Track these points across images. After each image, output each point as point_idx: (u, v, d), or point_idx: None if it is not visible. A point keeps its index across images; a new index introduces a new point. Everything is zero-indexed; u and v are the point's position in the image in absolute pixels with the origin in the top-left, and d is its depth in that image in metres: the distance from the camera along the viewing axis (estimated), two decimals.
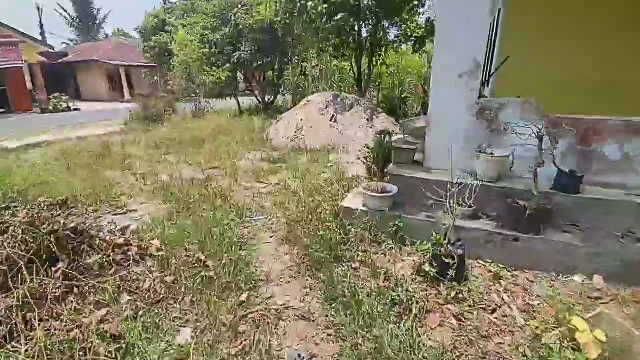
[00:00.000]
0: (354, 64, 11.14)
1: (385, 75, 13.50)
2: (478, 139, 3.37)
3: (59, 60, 23.80)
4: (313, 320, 2.23)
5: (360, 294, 2.38)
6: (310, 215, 3.58)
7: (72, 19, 37.74)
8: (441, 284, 2.53)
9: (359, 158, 6.15)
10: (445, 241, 2.57)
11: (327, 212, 3.60)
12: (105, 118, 13.09)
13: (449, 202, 2.68)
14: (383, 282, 2.60)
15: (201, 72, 11.70)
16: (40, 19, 35.02)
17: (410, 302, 2.31)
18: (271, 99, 13.63)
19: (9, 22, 17.58)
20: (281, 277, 2.70)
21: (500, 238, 2.87)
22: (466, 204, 2.88)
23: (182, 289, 2.43)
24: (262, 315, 2.25)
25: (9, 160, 6.66)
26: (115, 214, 4.11)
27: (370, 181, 3.61)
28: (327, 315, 2.26)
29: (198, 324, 2.18)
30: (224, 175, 5.39)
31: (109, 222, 3.81)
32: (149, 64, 20.61)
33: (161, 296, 2.34)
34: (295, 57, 14.57)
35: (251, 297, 2.45)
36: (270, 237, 3.40)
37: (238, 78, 13.79)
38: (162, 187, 4.78)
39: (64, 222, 2.49)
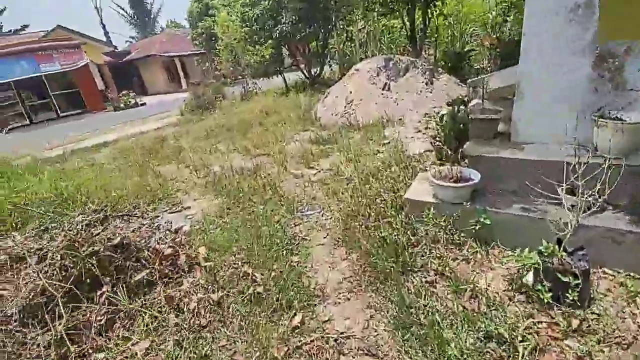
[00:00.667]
0: (406, 20, 9.80)
1: (442, 28, 11.77)
2: (596, 100, 2.44)
3: (124, 59, 25.64)
4: (381, 359, 1.77)
5: (440, 322, 1.84)
6: (368, 209, 3.06)
7: (131, 17, 40.20)
8: (555, 307, 1.87)
9: (419, 131, 5.34)
10: (561, 251, 1.86)
11: (389, 203, 3.04)
12: (166, 110, 13.75)
13: (567, 190, 1.93)
14: (469, 301, 2.02)
15: (245, 52, 11.40)
16: (102, 20, 37.98)
17: (513, 337, 1.71)
18: (317, 72, 12.90)
19: (72, 26, 19.18)
20: (339, 292, 2.27)
21: (637, 238, 2.05)
22: (588, 192, 2.08)
23: (229, 309, 2.14)
24: (319, 348, 1.85)
25: (80, 160, 7.20)
26: (172, 212, 4.05)
27: (441, 165, 2.91)
28: (399, 351, 1.78)
29: (247, 355, 1.88)
30: (272, 162, 5.07)
31: (166, 222, 3.78)
32: (200, 52, 21.09)
33: (207, 320, 2.08)
34: (340, 21, 13.44)
35: (305, 319, 2.08)
36: (325, 237, 2.98)
37: (283, 54, 13.25)
38: (214, 180, 4.62)
39: (108, 238, 2.33)
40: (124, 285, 2.20)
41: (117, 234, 2.45)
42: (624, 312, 1.89)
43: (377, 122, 6.02)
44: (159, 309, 2.08)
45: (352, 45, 14.69)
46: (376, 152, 4.72)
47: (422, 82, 6.86)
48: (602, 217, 2.18)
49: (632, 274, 2.12)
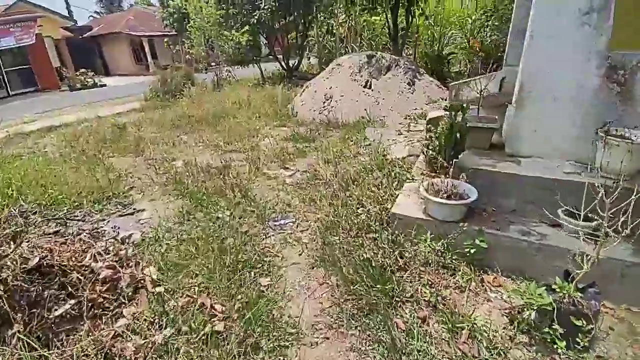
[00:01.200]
0: (389, 17, 9.53)
1: (422, 28, 11.64)
2: (602, 115, 2.23)
3: (84, 35, 23.48)
4: None
5: None
6: (349, 221, 2.72)
7: None
8: (558, 349, 1.63)
9: (401, 133, 5.07)
10: (574, 288, 1.61)
11: (372, 215, 2.72)
12: (129, 94, 12.61)
13: (568, 213, 1.68)
14: (467, 342, 1.73)
15: (220, 37, 10.63)
16: None
17: None
18: (296, 64, 12.37)
19: None
20: (316, 329, 1.91)
21: None
22: (593, 216, 1.86)
23: (178, 354, 1.71)
24: None
25: (21, 146, 6.28)
26: (122, 215, 3.48)
27: (434, 177, 2.62)
28: None
29: None
30: (244, 160, 4.59)
31: (113, 228, 3.22)
32: (171, 33, 19.66)
33: None
34: (321, 14, 12.95)
35: None
36: (300, 254, 2.60)
37: (260, 42, 12.56)
38: (175, 178, 4.08)
39: (22, 258, 1.81)
40: (43, 322, 1.70)
41: (37, 251, 1.92)
42: (627, 355, 1.69)
43: (358, 122, 5.69)
44: (83, 357, 1.60)
45: (332, 39, 14.27)
46: (357, 154, 4.39)
47: (404, 82, 6.61)
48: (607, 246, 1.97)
49: (632, 308, 1.95)
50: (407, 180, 3.07)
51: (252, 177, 4.02)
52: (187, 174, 4.20)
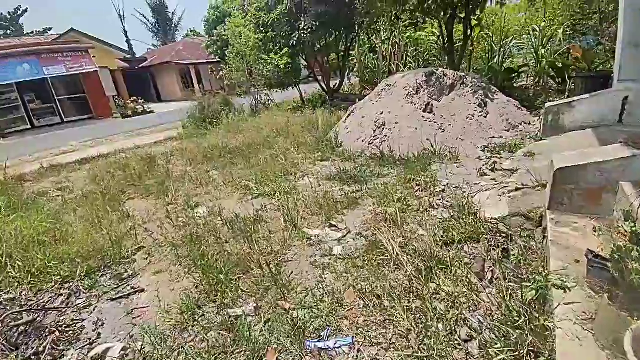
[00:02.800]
0: (443, 29, 8.28)
1: (479, 40, 10.22)
2: None
3: (139, 66, 24.93)
4: None
5: None
6: (443, 345, 1.50)
7: (152, 25, 40.08)
8: None
9: (483, 174, 3.75)
10: None
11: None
12: (172, 121, 12.50)
13: None
14: None
15: (259, 61, 10.08)
16: (124, 27, 37.84)
17: None
18: (337, 85, 11.48)
19: (97, 33, 18.43)
20: None
21: None
22: None
23: None
24: None
25: (51, 182, 5.88)
26: (114, 299, 2.55)
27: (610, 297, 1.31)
28: None
29: None
30: (278, 209, 3.56)
31: (94, 323, 2.29)
32: (215, 60, 20.06)
33: None
34: (364, 31, 12.08)
35: None
36: None
37: (299, 64, 11.90)
38: (192, 236, 3.13)
39: None
40: None
41: None
42: None
43: (420, 155, 4.46)
44: None
45: (375, 57, 13.28)
46: (429, 206, 3.16)
47: (474, 103, 5.29)
48: None
49: None
50: (559, 297, 1.75)
51: (287, 238, 2.95)
52: (208, 229, 3.26)
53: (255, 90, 10.97)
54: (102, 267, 2.93)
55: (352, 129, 5.73)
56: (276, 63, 9.57)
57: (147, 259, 3.00)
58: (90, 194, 4.78)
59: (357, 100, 10.58)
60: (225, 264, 2.62)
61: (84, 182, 5.61)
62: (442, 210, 3.05)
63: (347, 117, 6.31)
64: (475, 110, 5.20)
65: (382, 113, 5.37)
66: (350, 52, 12.20)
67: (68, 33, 18.30)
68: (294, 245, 2.87)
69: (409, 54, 12.65)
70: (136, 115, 16.00)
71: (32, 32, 33.96)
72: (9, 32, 34.73)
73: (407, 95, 5.38)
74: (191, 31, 38.38)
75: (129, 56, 23.31)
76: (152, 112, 16.58)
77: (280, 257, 2.71)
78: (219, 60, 18.96)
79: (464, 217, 2.75)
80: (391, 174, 4.16)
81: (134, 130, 11.07)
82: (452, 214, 2.89)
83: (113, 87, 19.10)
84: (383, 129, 5.11)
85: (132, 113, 15.97)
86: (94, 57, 14.55)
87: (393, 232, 2.74)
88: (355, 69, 14.56)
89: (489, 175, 3.65)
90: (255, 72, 10.49)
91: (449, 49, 8.16)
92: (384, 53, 12.87)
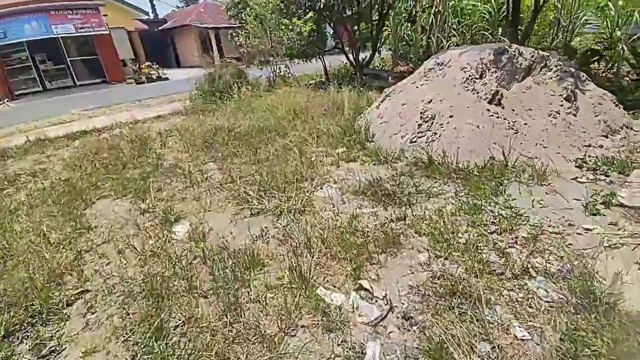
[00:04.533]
0: None
1: (547, 10, 8.31)
2: None
3: (159, 28, 23.57)
4: None
5: None
6: None
7: None
8: None
9: (596, 211, 2.46)
10: None
11: None
12: (183, 90, 11.40)
13: None
14: None
15: (279, 27, 8.63)
16: None
17: None
18: (367, 59, 9.90)
19: None
20: None
21: None
22: None
23: None
24: None
25: (30, 160, 4.99)
26: None
27: None
28: None
29: None
30: (283, 241, 2.46)
31: None
32: (237, 25, 18.43)
33: None
34: None
35: None
36: None
37: (325, 32, 10.30)
38: (153, 285, 2.10)
39: None
40: None
41: None
42: None
43: (486, 166, 3.17)
44: None
45: (412, 28, 11.41)
46: (523, 269, 1.94)
47: (559, 95, 3.85)
48: None
49: None
50: None
51: (293, 311, 1.84)
52: (182, 267, 2.21)
53: (275, 60, 9.58)
54: (26, 323, 1.97)
55: (388, 119, 4.43)
56: (299, 30, 8.10)
57: (84, 316, 2.00)
58: (60, 185, 3.83)
59: (391, 78, 9.03)
60: (194, 352, 1.58)
61: (63, 165, 4.67)
62: (545, 282, 1.84)
63: (382, 101, 4.97)
64: (562, 105, 3.77)
65: (430, 102, 4.02)
66: (384, 22, 10.45)
67: None
68: (301, 325, 1.77)
69: (452, 26, 10.75)
70: (150, 82, 14.95)
71: None
72: None
73: (467, 79, 3.97)
74: None
75: (148, 17, 21.92)
76: (166, 78, 15.48)
77: (276, 348, 1.63)
78: (240, 24, 17.36)
79: (596, 312, 1.55)
80: (446, 192, 2.93)
81: (142, 99, 10.04)
82: (569, 297, 1.69)
83: (130, 49, 17.99)
84: (432, 123, 3.79)
85: (146, 79, 14.92)
86: (105, 15, 13.34)
87: (469, 326, 1.58)
88: (386, 42, 12.74)
89: (604, 214, 2.36)
90: (275, 39, 9.05)
91: (512, 21, 6.44)
92: (423, 24, 11.02)
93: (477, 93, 3.85)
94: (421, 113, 3.92)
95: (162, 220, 2.90)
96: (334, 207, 2.85)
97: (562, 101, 3.81)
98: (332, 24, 9.66)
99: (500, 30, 9.05)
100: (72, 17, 12.33)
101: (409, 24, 11.43)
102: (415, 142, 3.80)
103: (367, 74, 9.17)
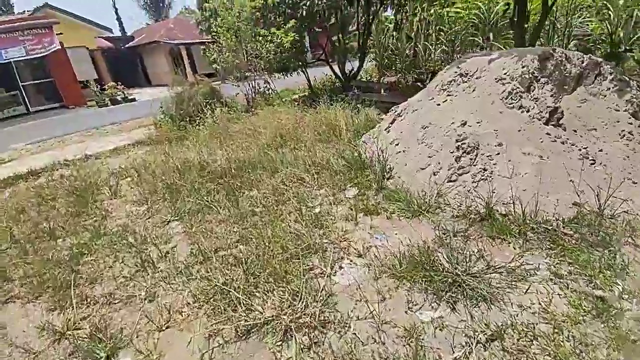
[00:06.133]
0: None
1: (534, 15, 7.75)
2: None
3: (125, 46, 21.96)
4: None
5: None
6: None
7: (144, 1, 36.42)
8: None
9: None
10: None
11: None
12: (154, 112, 10.03)
13: None
14: None
15: (255, 39, 7.58)
16: (114, 3, 34.24)
17: None
18: (354, 70, 9.01)
19: (84, 12, 15.52)
20: None
21: None
22: None
23: None
24: None
25: None
26: None
27: None
28: None
29: None
30: None
31: None
32: (209, 40, 17.22)
33: None
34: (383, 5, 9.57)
35: None
36: None
37: (305, 44, 9.33)
38: None
39: None
40: None
41: None
42: None
43: (576, 219, 2.18)
44: None
45: (397, 36, 10.68)
46: None
47: (623, 109, 2.98)
48: None
49: None
50: None
51: None
52: None
53: (252, 75, 8.48)
54: None
55: (405, 146, 3.41)
56: (279, 41, 7.07)
57: None
58: None
59: (383, 90, 8.16)
60: None
61: None
62: None
63: (391, 122, 3.97)
64: (631, 124, 2.89)
65: (464, 124, 3.03)
66: (370, 31, 9.64)
67: (42, 8, 15.31)
68: None
69: (438, 34, 10.10)
70: (115, 104, 13.39)
71: (23, 12, 30.25)
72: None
73: (510, 93, 3.02)
74: (185, 9, 34.85)
75: (114, 34, 20.31)
76: (133, 99, 13.98)
77: None
78: (214, 40, 16.19)
79: None
80: (532, 266, 1.90)
81: (101, 125, 8.60)
82: None
83: (92, 70, 16.34)
84: (476, 154, 2.79)
85: (110, 101, 13.36)
86: (61, 33, 11.78)
87: None
88: (371, 51, 11.97)
89: None
90: (251, 52, 7.97)
91: (519, 23, 5.70)
92: (408, 32, 10.32)
93: (528, 111, 2.90)
94: (457, 141, 2.92)
95: (84, 357, 1.69)
96: (368, 306, 1.75)
97: (629, 118, 2.94)
98: (312, 34, 8.72)
99: (491, 35, 8.40)
100: (24, 39, 10.69)
101: (394, 32, 10.72)
102: (455, 180, 2.78)
103: (356, 86, 8.22)
